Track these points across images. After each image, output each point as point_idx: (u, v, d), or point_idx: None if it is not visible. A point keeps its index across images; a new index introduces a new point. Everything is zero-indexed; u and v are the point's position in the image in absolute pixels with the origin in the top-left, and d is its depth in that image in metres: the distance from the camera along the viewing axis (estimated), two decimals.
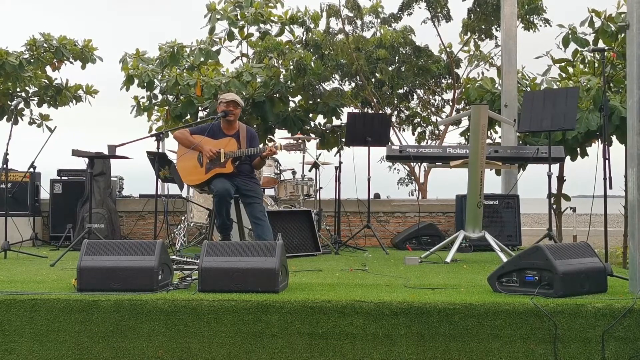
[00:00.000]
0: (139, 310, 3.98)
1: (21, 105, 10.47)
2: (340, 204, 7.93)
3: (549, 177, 6.87)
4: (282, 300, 3.96)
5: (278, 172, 8.06)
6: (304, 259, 6.60)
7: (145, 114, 11.00)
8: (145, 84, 10.31)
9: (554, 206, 8.90)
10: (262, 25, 11.04)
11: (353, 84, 13.37)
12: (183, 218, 8.19)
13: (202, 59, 10.48)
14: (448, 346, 3.88)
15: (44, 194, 8.65)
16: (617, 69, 8.38)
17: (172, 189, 8.36)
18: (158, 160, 6.70)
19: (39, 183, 8.68)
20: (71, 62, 10.53)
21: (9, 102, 10.29)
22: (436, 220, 8.64)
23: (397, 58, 13.26)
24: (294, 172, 8.20)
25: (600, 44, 8.33)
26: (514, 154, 7.55)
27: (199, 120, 9.69)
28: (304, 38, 12.04)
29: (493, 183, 9.32)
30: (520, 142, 8.93)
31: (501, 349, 3.87)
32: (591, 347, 3.85)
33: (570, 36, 8.71)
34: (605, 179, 5.95)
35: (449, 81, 14.05)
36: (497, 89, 9.45)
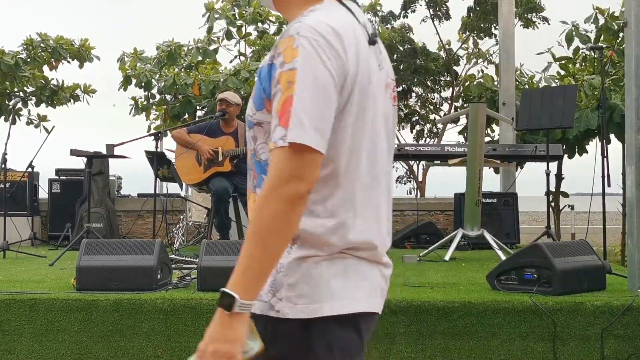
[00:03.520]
0: (138, 309, 3.98)
1: (19, 105, 10.47)
2: None
3: (547, 175, 6.87)
4: None
5: None
6: None
7: (144, 113, 11.00)
8: (142, 84, 10.30)
9: (552, 204, 8.90)
10: (260, 24, 11.04)
11: None
12: (182, 217, 8.18)
13: (199, 58, 10.47)
14: (447, 344, 3.88)
15: (43, 193, 8.64)
16: (616, 67, 8.38)
17: (171, 188, 8.36)
18: (156, 159, 6.69)
19: (37, 183, 8.67)
20: (68, 62, 10.53)
21: (6, 102, 10.29)
22: (435, 219, 8.63)
23: (395, 57, 13.27)
24: None
25: (602, 42, 8.33)
26: (512, 152, 7.55)
27: (197, 119, 9.69)
28: None
29: (491, 181, 9.34)
30: (519, 140, 8.94)
31: (500, 347, 3.87)
32: (590, 344, 3.86)
33: (573, 33, 8.71)
34: (603, 176, 5.96)
35: (448, 79, 14.06)
36: (496, 87, 9.46)
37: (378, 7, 13.68)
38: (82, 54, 10.47)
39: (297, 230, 1.39)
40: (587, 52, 9.02)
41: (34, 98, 10.78)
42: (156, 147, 7.04)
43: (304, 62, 1.37)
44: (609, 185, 5.94)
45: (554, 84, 9.02)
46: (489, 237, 6.18)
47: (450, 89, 14.08)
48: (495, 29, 12.46)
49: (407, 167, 15.22)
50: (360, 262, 1.49)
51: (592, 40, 8.60)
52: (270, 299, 1.44)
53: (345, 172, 1.45)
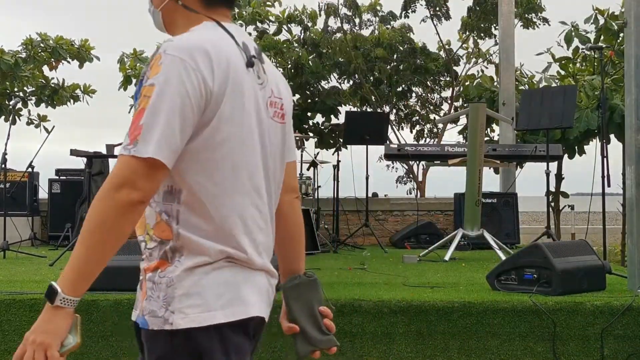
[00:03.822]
0: None
1: (19, 105, 10.47)
2: (338, 203, 7.93)
3: (547, 175, 6.87)
4: (281, 299, 3.95)
5: None
6: None
7: None
8: None
9: (552, 204, 8.90)
10: (259, 25, 11.04)
11: (351, 82, 13.38)
12: None
13: None
14: (447, 344, 3.89)
15: (43, 193, 8.64)
16: (616, 67, 8.39)
17: None
18: None
19: (37, 183, 8.67)
20: (68, 62, 10.53)
21: (6, 102, 10.29)
22: (435, 219, 8.64)
23: (395, 56, 13.27)
24: None
25: (602, 42, 8.33)
26: (512, 152, 7.56)
27: None
28: (301, 37, 12.04)
29: (491, 181, 9.34)
30: (519, 140, 8.94)
31: (500, 347, 3.87)
32: (590, 344, 3.86)
33: (572, 33, 8.72)
34: (603, 176, 5.96)
35: (448, 79, 14.06)
36: (496, 87, 9.46)
37: (378, 7, 13.68)
38: (82, 54, 10.47)
39: (126, 237, 1.45)
40: (587, 52, 9.03)
41: (34, 98, 10.78)
42: None
43: (163, 79, 1.44)
44: (608, 185, 5.93)
45: (554, 84, 9.03)
46: (488, 237, 6.18)
47: (450, 89, 14.08)
48: (495, 29, 12.46)
49: (407, 167, 15.22)
50: (247, 270, 1.57)
51: (592, 40, 8.61)
52: (164, 314, 1.48)
53: (224, 185, 1.52)
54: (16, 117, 10.53)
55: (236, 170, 1.54)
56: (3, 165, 6.76)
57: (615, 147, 8.16)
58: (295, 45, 11.52)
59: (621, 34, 8.25)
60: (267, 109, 1.63)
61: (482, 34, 13.00)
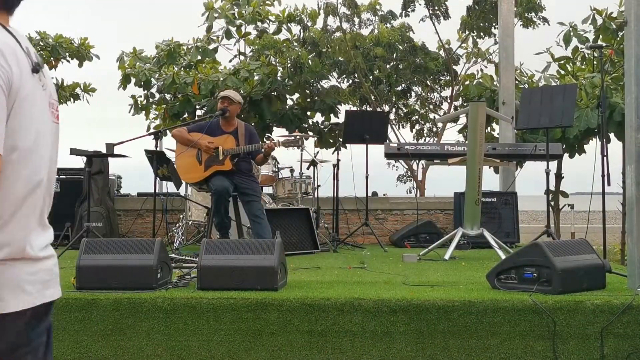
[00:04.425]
0: (138, 308, 3.98)
1: None
2: (338, 202, 7.93)
3: (547, 174, 6.87)
4: (281, 298, 3.96)
5: (276, 170, 8.05)
6: (303, 257, 6.60)
7: (143, 112, 10.99)
8: (142, 83, 10.29)
9: (552, 203, 8.90)
10: (259, 24, 11.03)
11: (351, 82, 13.38)
12: (181, 216, 8.18)
13: (199, 57, 10.46)
14: (447, 343, 3.89)
15: None
16: (615, 66, 8.39)
17: (171, 187, 8.35)
18: (156, 158, 6.69)
19: None
20: (68, 61, 10.52)
21: None
22: (434, 218, 8.64)
23: (395, 56, 13.27)
24: (292, 170, 8.19)
25: (601, 42, 8.33)
26: (512, 151, 7.55)
27: (196, 118, 9.68)
28: (301, 36, 12.03)
29: (491, 180, 9.34)
30: (518, 139, 8.94)
31: (500, 346, 3.87)
32: (590, 343, 3.86)
33: (571, 33, 8.74)
34: (603, 175, 5.95)
35: (447, 78, 14.07)
36: (496, 86, 9.46)
37: (378, 7, 13.69)
38: (81, 52, 10.46)
39: None
40: (587, 52, 9.03)
41: None
42: (156, 146, 7.03)
43: None
44: (608, 184, 5.93)
45: (553, 84, 9.02)
46: (488, 236, 6.18)
47: (450, 88, 14.09)
48: (495, 28, 12.46)
49: (407, 167, 15.22)
50: (26, 263, 1.63)
51: (591, 40, 8.61)
52: None
53: (14, 173, 1.59)
54: None
55: (27, 161, 1.62)
56: None
57: (615, 146, 8.16)
58: (295, 44, 11.51)
59: (620, 33, 8.25)
60: (48, 109, 1.75)
61: (481, 34, 13.01)
